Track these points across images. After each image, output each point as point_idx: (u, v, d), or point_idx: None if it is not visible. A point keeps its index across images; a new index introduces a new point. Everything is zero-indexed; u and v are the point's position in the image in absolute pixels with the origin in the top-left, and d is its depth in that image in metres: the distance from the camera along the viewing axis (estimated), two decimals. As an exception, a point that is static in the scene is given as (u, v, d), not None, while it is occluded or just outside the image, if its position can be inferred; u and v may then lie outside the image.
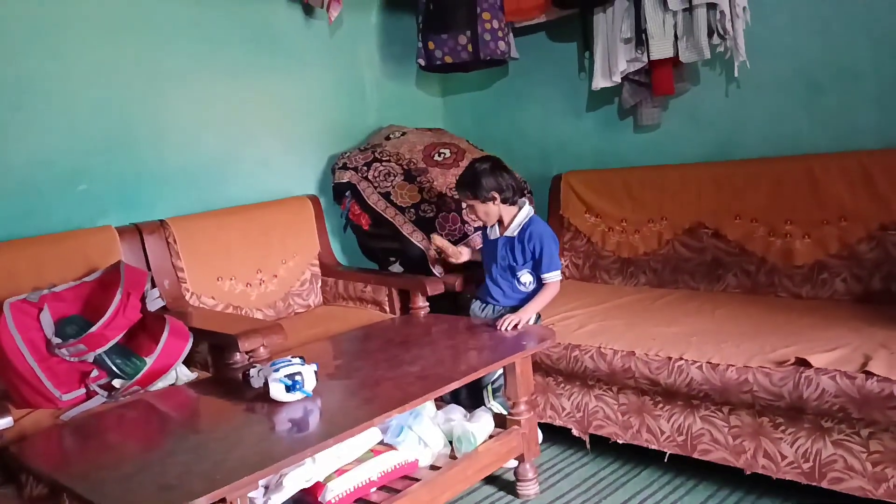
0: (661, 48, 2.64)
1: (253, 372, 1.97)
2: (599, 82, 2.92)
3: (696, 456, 2.23)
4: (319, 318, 2.91)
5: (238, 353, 2.24)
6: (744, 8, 2.53)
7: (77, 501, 1.48)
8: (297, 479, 1.81)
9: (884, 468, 1.87)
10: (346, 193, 3.16)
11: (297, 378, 1.86)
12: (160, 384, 2.19)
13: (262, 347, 2.24)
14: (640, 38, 2.70)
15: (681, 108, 2.95)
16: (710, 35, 2.57)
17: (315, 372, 1.91)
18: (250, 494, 1.72)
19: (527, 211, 2.59)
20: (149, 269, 2.63)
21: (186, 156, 2.92)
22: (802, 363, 1.96)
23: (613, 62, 2.83)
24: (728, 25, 2.52)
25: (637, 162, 3.10)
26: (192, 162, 2.93)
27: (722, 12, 2.51)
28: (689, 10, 2.56)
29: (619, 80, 2.88)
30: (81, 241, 2.51)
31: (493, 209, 2.55)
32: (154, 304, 2.40)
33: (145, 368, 2.13)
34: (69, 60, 2.58)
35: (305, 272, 3.11)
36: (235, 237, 2.89)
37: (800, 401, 1.95)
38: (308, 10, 3.23)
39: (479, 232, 2.95)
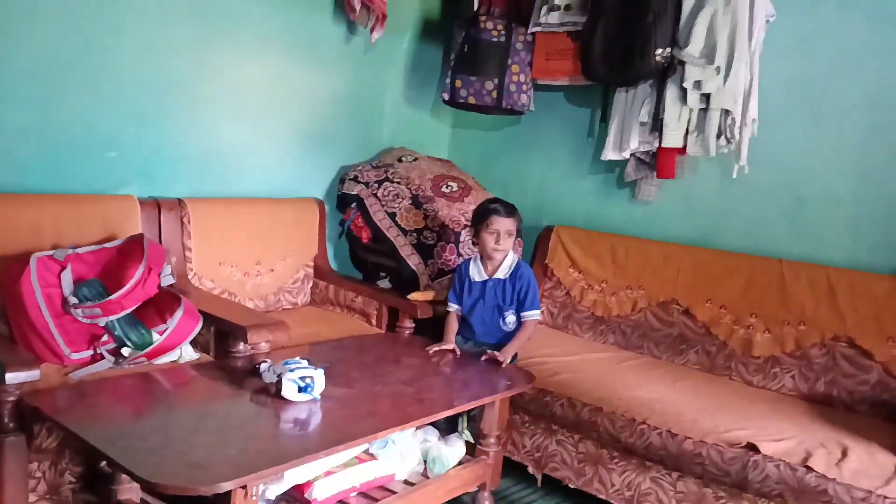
0: (673, 138, 2.88)
1: (264, 367, 2.11)
2: (609, 154, 3.14)
3: (640, 512, 2.46)
4: (307, 318, 3.04)
5: (242, 344, 2.37)
6: (753, 119, 2.79)
7: (105, 463, 1.59)
8: (296, 474, 1.95)
9: (807, 553, 2.13)
10: (353, 205, 3.30)
11: (309, 381, 2.01)
12: (164, 359, 2.30)
13: (265, 342, 2.38)
14: (656, 124, 2.94)
15: (677, 191, 3.20)
16: (718, 136, 2.83)
17: (324, 377, 2.05)
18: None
19: (513, 255, 2.78)
20: (160, 243, 2.73)
21: (212, 141, 3.02)
22: (752, 448, 2.20)
23: (626, 139, 3.06)
24: (736, 132, 2.79)
25: (626, 231, 3.33)
26: (215, 147, 3.04)
27: (734, 119, 2.77)
28: (705, 110, 2.81)
29: (628, 156, 3.12)
30: (103, 206, 2.59)
31: (513, 240, 2.72)
32: (166, 279, 2.49)
33: (156, 343, 2.24)
34: (124, 35, 2.67)
35: (300, 271, 3.24)
36: (244, 227, 3.00)
37: (744, 481, 2.19)
38: (351, 26, 3.38)
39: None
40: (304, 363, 2.06)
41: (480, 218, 2.73)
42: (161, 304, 2.39)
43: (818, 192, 2.84)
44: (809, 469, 2.09)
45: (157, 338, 2.27)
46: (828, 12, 2.79)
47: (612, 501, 2.53)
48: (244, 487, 1.59)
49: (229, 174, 3.11)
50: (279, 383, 2.00)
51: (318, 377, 2.03)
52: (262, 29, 3.08)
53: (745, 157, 2.82)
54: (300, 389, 1.99)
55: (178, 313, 2.31)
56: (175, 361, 2.32)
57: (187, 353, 2.36)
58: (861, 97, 2.72)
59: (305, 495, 2.02)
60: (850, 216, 2.77)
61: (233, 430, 1.80)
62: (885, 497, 1.97)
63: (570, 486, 2.64)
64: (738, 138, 2.80)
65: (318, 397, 2.01)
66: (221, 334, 2.45)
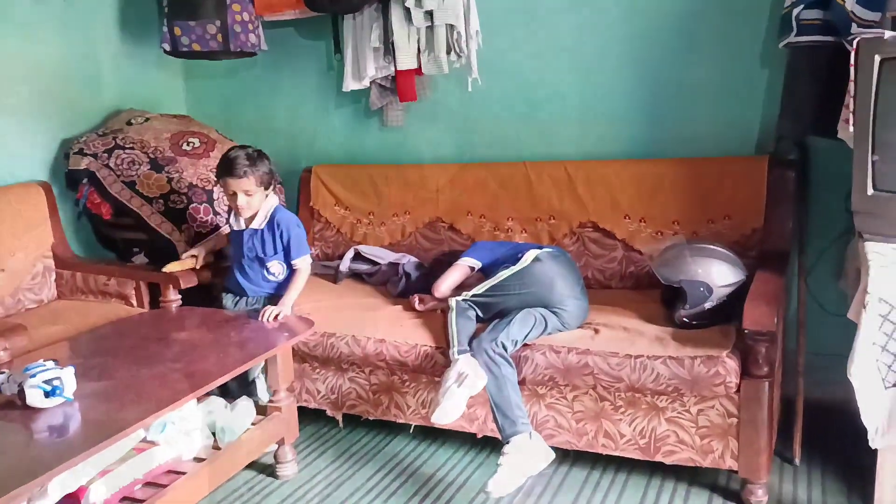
0: (406, 60, 2.89)
1: (2, 378, 1.88)
2: (350, 84, 3.10)
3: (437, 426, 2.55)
4: (57, 314, 2.76)
5: (-27, 359, 2.09)
6: (476, 31, 2.87)
7: None
8: (60, 484, 1.78)
9: (584, 424, 2.34)
10: (84, 181, 2.99)
11: (57, 383, 1.81)
12: None
13: (2, 351, 2.11)
14: (388, 48, 2.93)
15: (422, 112, 3.24)
16: (448, 52, 2.88)
17: (74, 375, 1.87)
18: (12, 506, 1.66)
19: (272, 201, 2.68)
20: None
21: None
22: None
23: (363, 67, 3.03)
24: (464, 45, 2.85)
25: (383, 160, 3.34)
26: None
27: (459, 33, 2.83)
28: (431, 27, 2.85)
29: (368, 84, 3.09)
30: None
31: (260, 195, 2.59)
32: None
33: None
34: None
35: (37, 265, 2.91)
36: (-46, 228, 2.62)
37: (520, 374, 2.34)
38: (37, -20, 2.98)
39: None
40: (49, 364, 1.86)
41: (217, 179, 2.63)
42: None
43: (546, 94, 3.02)
44: (570, 350, 2.28)
45: None
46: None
47: (411, 422, 2.61)
48: (-9, 516, 1.42)
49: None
50: (21, 393, 1.79)
51: (67, 376, 1.84)
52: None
53: (475, 68, 2.91)
54: (47, 394, 1.79)
55: None
56: None
57: None
58: (568, -1, 2.89)
59: (82, 502, 1.86)
60: (576, 111, 2.98)
61: (-29, 456, 1.59)
62: (632, 356, 2.21)
63: (370, 418, 2.68)
64: (467, 51, 2.87)
65: (72, 398, 1.83)
66: (-54, 354, 2.14)
